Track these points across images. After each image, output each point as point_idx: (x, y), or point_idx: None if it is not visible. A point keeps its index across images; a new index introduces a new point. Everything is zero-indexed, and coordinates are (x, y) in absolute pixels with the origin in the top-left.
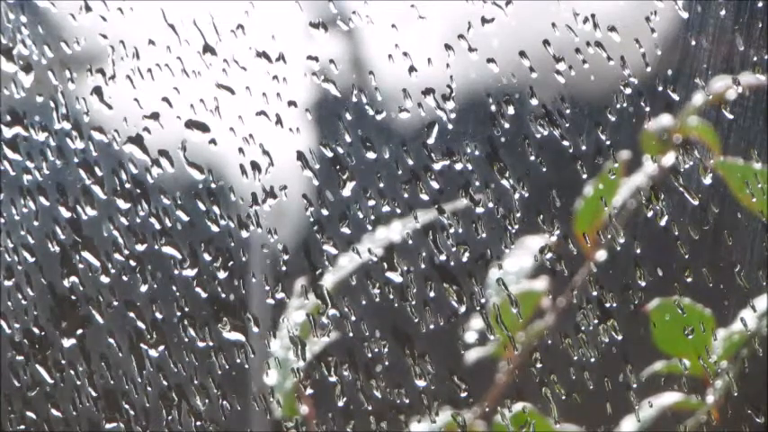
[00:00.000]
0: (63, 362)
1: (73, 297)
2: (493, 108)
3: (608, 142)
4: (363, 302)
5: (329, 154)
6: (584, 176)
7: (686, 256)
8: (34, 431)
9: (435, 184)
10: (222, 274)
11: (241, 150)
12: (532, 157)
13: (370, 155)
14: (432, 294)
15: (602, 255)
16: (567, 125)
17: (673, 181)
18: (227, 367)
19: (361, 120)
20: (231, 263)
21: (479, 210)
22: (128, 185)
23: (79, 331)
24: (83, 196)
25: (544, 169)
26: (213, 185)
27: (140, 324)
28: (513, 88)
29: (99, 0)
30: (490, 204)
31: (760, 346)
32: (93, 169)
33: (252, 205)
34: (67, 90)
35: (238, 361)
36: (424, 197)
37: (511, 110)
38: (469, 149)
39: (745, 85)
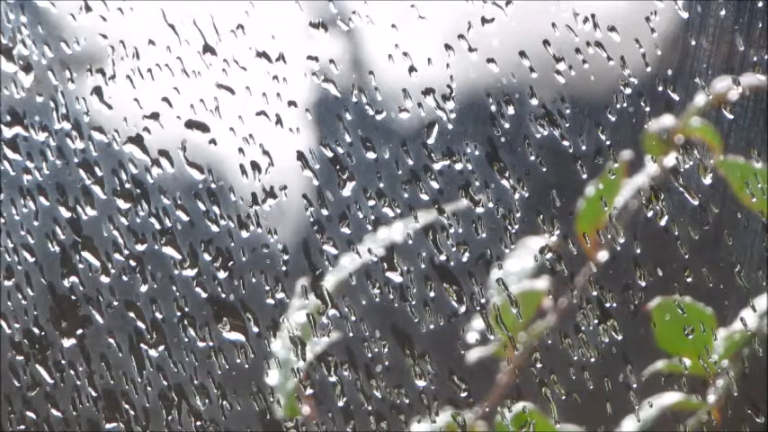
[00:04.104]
0: (63, 362)
1: (73, 297)
2: (493, 108)
3: (608, 142)
4: (363, 302)
5: (329, 154)
6: (585, 177)
7: (686, 256)
8: (34, 431)
9: (435, 184)
10: (222, 274)
11: (241, 150)
12: (532, 157)
13: (370, 155)
14: (432, 294)
15: (602, 255)
16: (567, 125)
17: (673, 181)
18: (227, 367)
19: (361, 120)
20: (231, 263)
21: (479, 210)
22: (128, 185)
23: (79, 331)
24: (83, 196)
25: (544, 169)
26: (213, 185)
27: (140, 324)
28: (513, 88)
29: (99, 0)
30: (490, 204)
31: (760, 346)
32: (93, 169)
33: (252, 205)
34: (67, 90)
35: (238, 361)
36: (424, 197)
37: (511, 110)
38: (469, 149)
39: (745, 85)
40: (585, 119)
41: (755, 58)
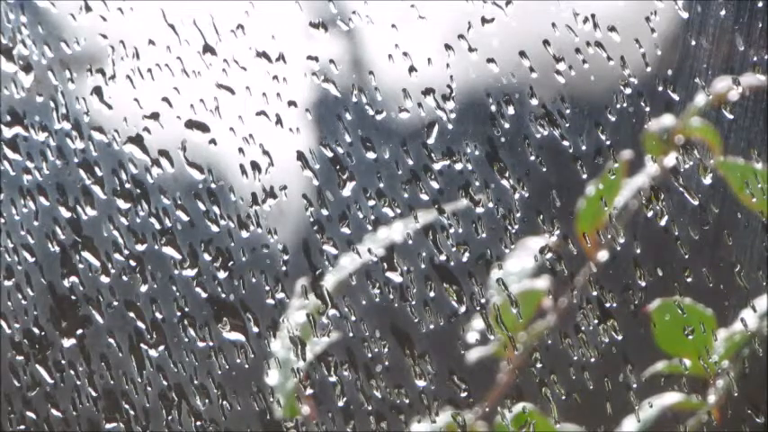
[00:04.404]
0: (63, 362)
1: (73, 297)
2: (493, 108)
3: (608, 142)
4: (363, 302)
5: (329, 154)
6: (585, 176)
7: (686, 256)
8: (34, 431)
9: (435, 184)
10: (222, 274)
11: (241, 150)
12: (532, 157)
13: (370, 155)
14: (432, 294)
15: (602, 255)
16: (567, 125)
17: (673, 181)
18: (227, 367)
19: (361, 120)
20: (231, 263)
21: (479, 210)
22: (128, 185)
23: (79, 331)
24: (83, 196)
25: (544, 169)
26: (213, 185)
27: (140, 324)
28: (513, 88)
29: (99, 0)
30: (490, 204)
31: (760, 346)
32: (93, 169)
33: (252, 205)
34: (67, 90)
35: (238, 361)
36: (425, 197)
37: (511, 110)
38: (469, 149)
39: (745, 85)
40: (585, 119)
41: (755, 58)
